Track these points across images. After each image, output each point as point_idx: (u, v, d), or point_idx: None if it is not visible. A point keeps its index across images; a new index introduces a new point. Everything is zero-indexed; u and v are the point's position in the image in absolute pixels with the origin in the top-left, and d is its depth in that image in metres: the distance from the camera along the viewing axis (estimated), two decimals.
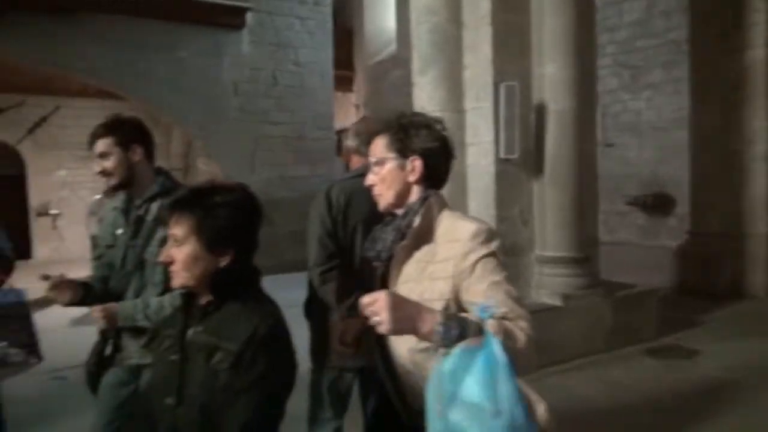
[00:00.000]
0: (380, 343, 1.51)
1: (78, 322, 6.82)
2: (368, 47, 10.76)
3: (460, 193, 4.18)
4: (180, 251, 1.37)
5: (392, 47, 10.16)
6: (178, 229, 1.37)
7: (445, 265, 1.40)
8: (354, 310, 2.12)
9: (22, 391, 3.49)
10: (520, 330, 1.26)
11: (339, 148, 10.39)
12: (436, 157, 1.50)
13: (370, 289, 1.34)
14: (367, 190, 2.26)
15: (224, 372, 1.31)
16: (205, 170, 10.86)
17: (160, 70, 7.61)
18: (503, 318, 1.27)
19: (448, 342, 1.17)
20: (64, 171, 12.58)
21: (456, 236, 1.41)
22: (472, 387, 1.10)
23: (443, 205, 1.51)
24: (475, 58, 4.12)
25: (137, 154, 2.11)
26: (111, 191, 2.16)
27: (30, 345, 2.98)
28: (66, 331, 4.06)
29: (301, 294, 2.47)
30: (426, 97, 4.25)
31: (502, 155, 4.02)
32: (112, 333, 2.16)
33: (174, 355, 1.40)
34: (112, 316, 2.03)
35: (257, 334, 1.32)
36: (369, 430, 2.01)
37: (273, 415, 1.37)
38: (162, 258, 1.41)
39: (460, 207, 4.02)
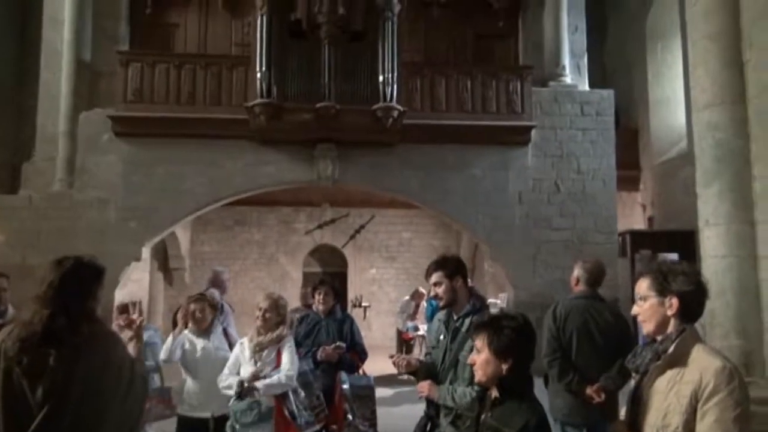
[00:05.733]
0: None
1: (386, 402, 8.00)
2: (655, 146, 10.57)
3: (754, 307, 3.98)
4: (479, 357, 2.02)
5: (682, 144, 9.82)
6: (478, 341, 2.04)
7: (688, 387, 1.76)
8: (570, 385, 3.49)
9: None
10: None
11: (622, 250, 10.16)
12: (692, 298, 1.87)
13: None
14: (581, 308, 3.71)
15: None
16: (489, 272, 11.73)
17: (456, 185, 8.85)
18: None
19: None
20: (374, 269, 14.91)
21: (704, 365, 1.76)
22: None
23: (696, 338, 1.87)
24: (766, 168, 4.03)
25: (458, 282, 2.86)
26: (440, 308, 2.94)
27: (371, 419, 3.94)
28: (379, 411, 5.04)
29: None
30: (711, 210, 4.26)
31: None
32: (432, 411, 2.85)
33: (471, 430, 2.07)
34: (432, 391, 2.75)
35: (528, 425, 1.88)
36: None
37: None
38: (468, 360, 2.09)
39: (753, 321, 3.87)
